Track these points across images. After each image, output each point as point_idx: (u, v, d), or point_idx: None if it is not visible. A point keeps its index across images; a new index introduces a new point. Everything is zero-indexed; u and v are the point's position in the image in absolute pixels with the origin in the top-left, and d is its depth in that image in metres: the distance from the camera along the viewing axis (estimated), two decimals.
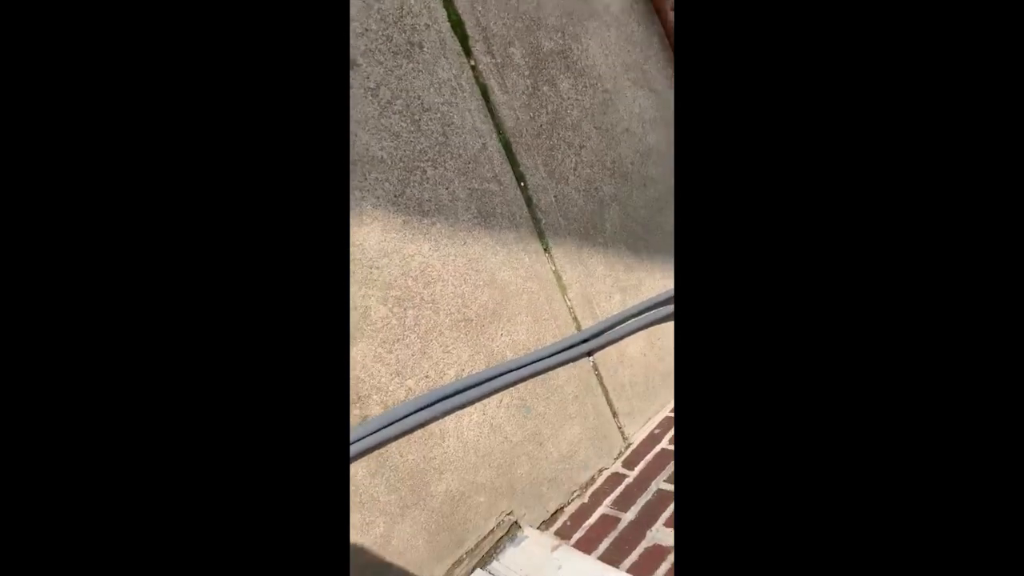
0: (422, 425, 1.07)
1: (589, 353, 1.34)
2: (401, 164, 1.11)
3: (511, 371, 1.18)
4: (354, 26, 1.09)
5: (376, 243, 1.06)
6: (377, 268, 1.06)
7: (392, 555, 1.02)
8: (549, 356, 1.25)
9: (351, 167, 1.05)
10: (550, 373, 1.27)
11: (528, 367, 1.21)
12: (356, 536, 0.98)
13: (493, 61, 1.29)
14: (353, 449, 0.98)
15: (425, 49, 1.18)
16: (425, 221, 1.14)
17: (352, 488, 0.99)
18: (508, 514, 1.16)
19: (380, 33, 1.12)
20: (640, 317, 1.46)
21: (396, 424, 1.03)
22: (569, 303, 1.35)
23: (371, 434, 1.00)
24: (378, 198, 1.08)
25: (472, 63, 1.26)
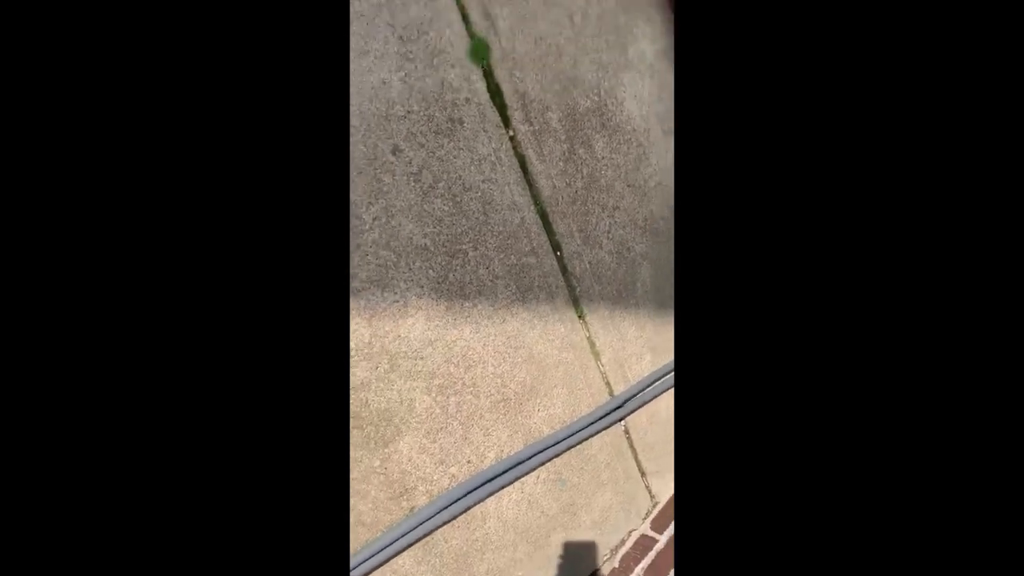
0: (466, 510, 1.09)
1: (621, 419, 1.36)
2: (444, 249, 1.11)
3: (548, 448, 1.21)
4: (396, 110, 1.06)
5: (420, 333, 1.07)
6: (421, 359, 1.07)
7: None
8: (584, 428, 1.27)
9: (396, 259, 1.04)
10: (584, 443, 1.30)
11: (564, 441, 1.23)
12: None
13: (531, 129, 1.27)
14: (403, 541, 1.00)
15: (465, 125, 1.16)
16: (467, 304, 1.14)
17: None
18: None
19: (422, 114, 1.10)
20: (668, 377, 1.48)
21: (442, 513, 1.05)
22: (602, 369, 1.36)
23: (419, 525, 1.02)
24: (422, 287, 1.07)
25: (511, 133, 1.23)
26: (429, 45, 1.11)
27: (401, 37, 1.08)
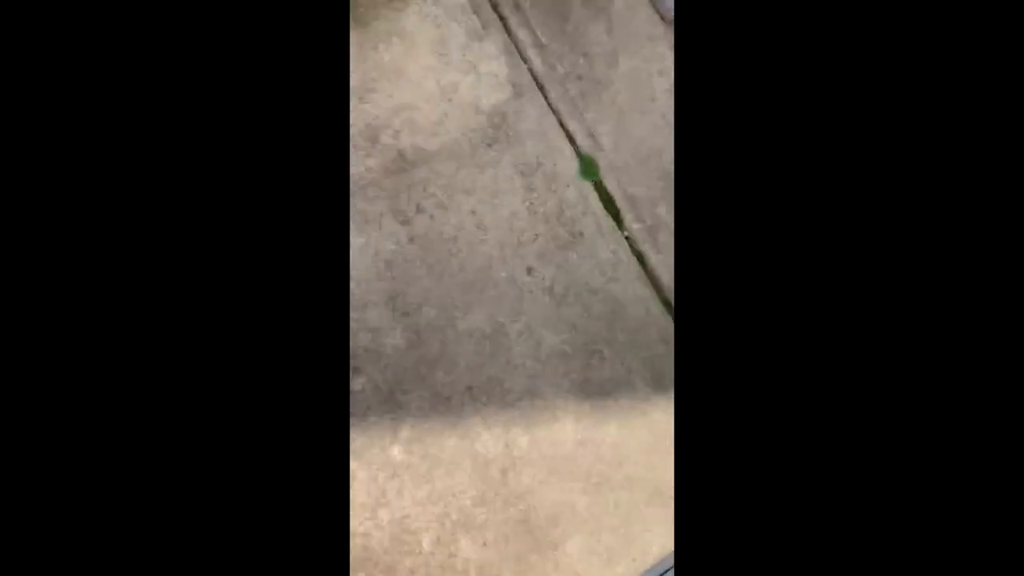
0: None
1: None
2: (582, 351, 1.20)
3: None
4: (526, 236, 1.21)
5: (571, 435, 1.14)
6: (574, 460, 1.13)
7: None
8: None
9: (542, 368, 1.14)
10: None
11: None
12: None
13: (644, 226, 1.35)
14: None
15: (585, 236, 1.28)
16: (609, 401, 1.20)
17: None
18: None
19: (547, 234, 1.23)
20: None
21: None
22: None
23: None
24: (567, 392, 1.16)
25: (626, 234, 1.33)
26: (546, 173, 1.27)
27: (522, 172, 1.24)
